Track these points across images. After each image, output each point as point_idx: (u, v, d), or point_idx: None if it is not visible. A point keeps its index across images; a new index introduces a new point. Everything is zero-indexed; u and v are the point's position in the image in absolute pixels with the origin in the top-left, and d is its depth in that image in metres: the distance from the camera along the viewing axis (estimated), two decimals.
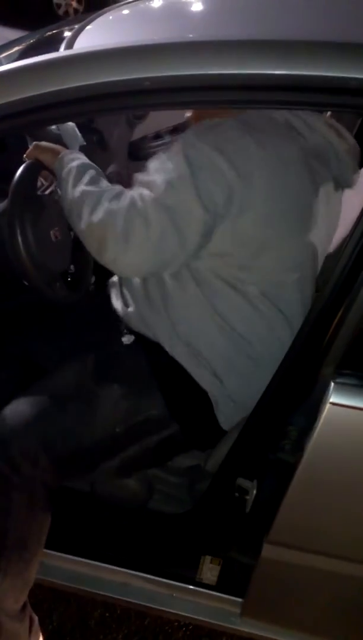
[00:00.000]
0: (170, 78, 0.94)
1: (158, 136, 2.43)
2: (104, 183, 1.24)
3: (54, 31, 1.44)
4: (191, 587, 1.36)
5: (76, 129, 1.84)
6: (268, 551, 1.18)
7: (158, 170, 1.15)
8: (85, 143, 1.88)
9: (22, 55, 1.35)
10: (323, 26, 1.04)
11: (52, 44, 1.21)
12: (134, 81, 0.95)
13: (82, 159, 1.31)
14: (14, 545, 1.24)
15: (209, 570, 1.32)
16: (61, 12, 7.93)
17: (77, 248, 1.44)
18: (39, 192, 1.41)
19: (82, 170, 1.25)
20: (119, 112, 1.69)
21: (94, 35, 1.19)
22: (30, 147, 1.36)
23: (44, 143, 1.37)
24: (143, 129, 2.35)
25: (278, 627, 1.34)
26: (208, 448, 1.38)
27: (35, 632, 1.40)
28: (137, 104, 1.01)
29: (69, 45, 1.07)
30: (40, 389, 1.30)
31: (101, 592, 1.39)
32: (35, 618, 1.40)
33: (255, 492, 1.18)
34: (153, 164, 1.18)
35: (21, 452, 1.21)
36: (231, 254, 1.19)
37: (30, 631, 1.37)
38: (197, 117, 1.27)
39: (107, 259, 1.18)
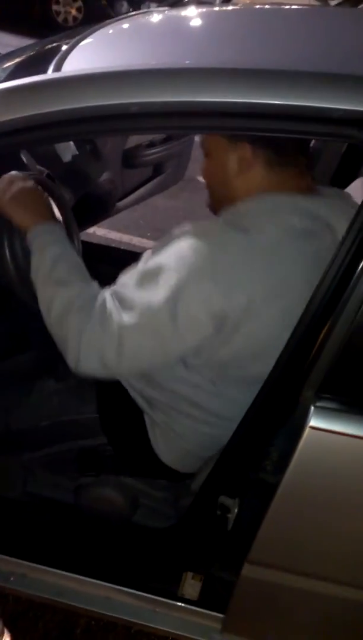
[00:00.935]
0: (157, 104, 0.95)
1: (151, 144, 2.44)
2: (79, 276, 1.15)
3: (51, 45, 1.44)
4: (173, 602, 1.37)
5: None
6: (248, 570, 1.19)
7: (141, 285, 1.06)
8: (78, 152, 1.89)
9: (16, 71, 1.35)
10: (316, 55, 1.05)
11: (47, 59, 1.21)
12: (121, 106, 0.95)
13: (57, 239, 1.18)
14: None
15: (191, 586, 1.33)
16: (60, 19, 7.93)
17: None
18: None
19: (57, 258, 1.14)
20: (108, 135, 1.68)
21: (85, 56, 1.19)
22: (3, 185, 1.21)
23: (20, 188, 1.19)
24: (136, 137, 2.35)
25: None
26: (144, 477, 1.39)
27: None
28: (124, 127, 1.02)
29: (58, 67, 1.08)
30: None
31: (84, 606, 1.39)
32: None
33: (236, 510, 1.19)
34: (139, 271, 1.09)
35: None
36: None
37: None
38: (218, 198, 1.18)
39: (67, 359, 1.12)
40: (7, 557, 1.40)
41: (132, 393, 1.29)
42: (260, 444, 1.14)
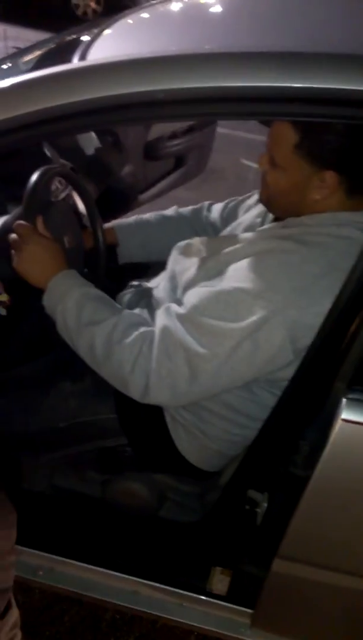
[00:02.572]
0: (184, 90, 0.93)
1: (174, 136, 2.42)
2: (107, 310, 1.13)
3: (72, 37, 1.43)
4: (201, 596, 1.36)
5: (92, 132, 1.83)
6: (278, 565, 1.17)
7: (218, 311, 1.02)
8: (101, 145, 1.88)
9: (39, 63, 1.34)
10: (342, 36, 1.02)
11: (70, 50, 1.19)
12: (147, 93, 0.93)
13: (73, 284, 1.15)
14: None
15: (220, 581, 1.32)
16: (79, 12, 7.90)
17: (90, 253, 1.44)
18: (53, 198, 1.41)
19: (80, 302, 1.12)
20: (134, 124, 1.65)
21: (109, 44, 1.17)
22: (16, 239, 1.17)
23: (26, 249, 1.16)
24: (158, 129, 2.33)
25: None
26: (167, 472, 1.38)
27: None
28: (150, 115, 1.00)
29: (83, 56, 1.06)
30: (11, 373, 1.40)
31: (111, 600, 1.39)
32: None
33: (265, 505, 1.18)
34: (213, 295, 1.03)
35: None
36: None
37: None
38: (283, 207, 1.14)
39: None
40: (36, 551, 1.41)
41: None
42: (290, 438, 1.12)
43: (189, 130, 2.43)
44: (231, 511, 1.25)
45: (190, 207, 1.62)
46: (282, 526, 1.14)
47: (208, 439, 1.24)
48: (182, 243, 1.32)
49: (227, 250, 1.10)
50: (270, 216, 1.21)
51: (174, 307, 1.09)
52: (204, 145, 2.58)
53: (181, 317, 1.05)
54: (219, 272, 1.08)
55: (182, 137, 2.41)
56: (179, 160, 2.56)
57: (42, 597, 1.69)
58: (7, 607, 1.36)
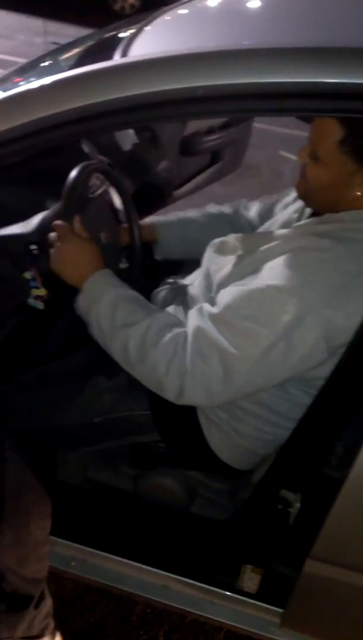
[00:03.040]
0: (224, 86, 0.92)
1: (210, 131, 2.40)
2: (142, 312, 1.13)
3: (112, 33, 1.43)
4: (231, 594, 1.36)
5: None
6: (310, 566, 1.16)
7: (252, 310, 1.00)
8: (138, 141, 1.89)
9: (80, 60, 1.34)
10: None
11: (110, 47, 1.20)
12: (187, 90, 0.93)
13: (107, 284, 1.16)
14: (8, 493, 1.27)
15: (250, 579, 1.32)
16: (117, 7, 7.87)
17: (126, 248, 1.45)
18: (90, 194, 1.42)
19: (115, 303, 1.12)
20: (174, 121, 1.65)
21: (150, 41, 1.17)
22: (54, 238, 1.19)
23: (62, 249, 1.17)
24: (195, 125, 2.32)
25: None
26: (199, 469, 1.38)
27: (52, 636, 1.44)
28: (190, 112, 0.99)
29: (124, 54, 1.06)
30: (47, 367, 1.42)
31: (141, 594, 1.40)
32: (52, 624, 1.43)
33: (298, 505, 1.17)
34: (247, 293, 1.02)
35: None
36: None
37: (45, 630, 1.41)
38: (320, 201, 1.12)
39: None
40: (69, 543, 1.43)
41: None
42: (326, 438, 1.10)
43: (226, 125, 2.41)
44: (262, 510, 1.25)
45: (228, 205, 1.61)
46: (315, 527, 1.13)
47: (241, 437, 1.23)
48: (217, 240, 1.31)
49: (263, 247, 1.09)
50: (307, 212, 1.19)
51: (207, 307, 1.09)
52: (241, 140, 2.56)
53: (213, 317, 1.05)
54: (254, 270, 1.07)
55: (219, 133, 2.39)
56: (215, 156, 2.55)
57: (74, 588, 1.72)
58: (41, 597, 1.39)
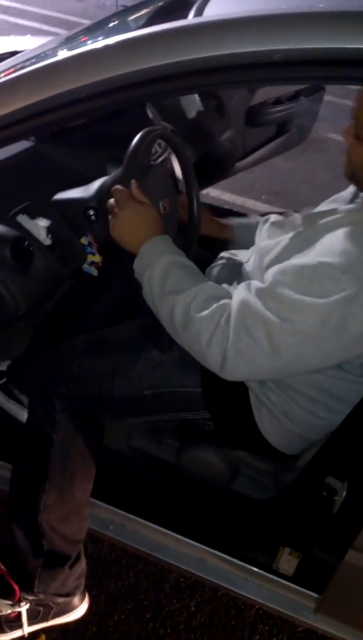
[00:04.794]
0: (302, 51, 0.87)
1: (278, 102, 2.32)
2: (191, 280, 1.11)
3: None
4: (266, 574, 1.35)
5: (196, 94, 1.79)
6: (352, 556, 1.13)
7: (303, 286, 0.97)
8: (203, 109, 1.84)
9: (150, 20, 1.30)
10: None
11: (184, 6, 1.15)
12: (264, 53, 0.88)
13: (161, 250, 1.15)
14: (57, 454, 1.32)
15: (287, 562, 1.31)
16: None
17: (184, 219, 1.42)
18: (152, 161, 1.39)
19: (166, 270, 1.12)
20: (246, 86, 1.59)
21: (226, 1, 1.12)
22: (113, 204, 1.17)
23: (122, 215, 1.15)
24: (262, 94, 2.24)
25: (353, 630, 1.30)
26: (246, 450, 1.37)
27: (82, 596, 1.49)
28: (264, 77, 0.94)
29: (199, 12, 1.01)
30: (100, 334, 1.43)
31: (177, 564, 1.41)
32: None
33: (344, 494, 1.14)
34: (297, 268, 0.99)
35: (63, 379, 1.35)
36: None
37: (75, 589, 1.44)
38: None
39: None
40: (109, 506, 1.45)
41: None
42: None
43: (295, 96, 2.32)
44: (306, 495, 1.22)
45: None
46: (361, 518, 1.10)
47: (292, 422, 1.20)
48: (273, 217, 1.28)
49: (321, 222, 1.06)
50: None
51: (255, 282, 1.06)
52: (309, 113, 2.46)
53: (260, 291, 1.02)
54: (308, 246, 1.03)
55: (287, 103, 2.31)
56: (281, 128, 2.46)
57: (111, 551, 1.75)
58: (77, 558, 1.43)
